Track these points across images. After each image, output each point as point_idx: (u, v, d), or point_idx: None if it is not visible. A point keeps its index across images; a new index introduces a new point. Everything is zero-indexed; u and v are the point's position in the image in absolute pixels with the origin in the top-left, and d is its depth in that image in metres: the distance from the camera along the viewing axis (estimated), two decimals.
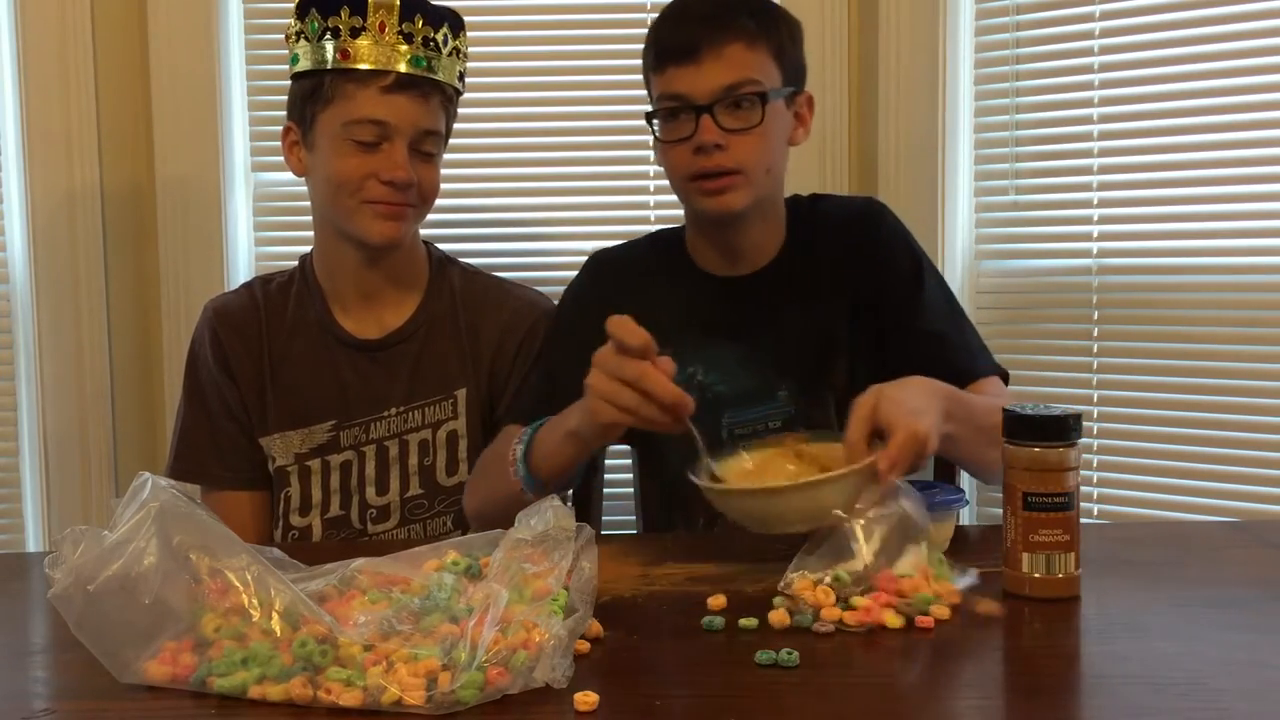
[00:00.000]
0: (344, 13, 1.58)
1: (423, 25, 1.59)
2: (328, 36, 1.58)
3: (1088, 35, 2.03)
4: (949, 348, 1.57)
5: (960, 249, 2.16)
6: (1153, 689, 0.94)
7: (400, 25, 1.58)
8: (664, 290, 1.64)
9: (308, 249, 1.78)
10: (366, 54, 1.57)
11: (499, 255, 2.14)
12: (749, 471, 1.31)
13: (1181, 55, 1.94)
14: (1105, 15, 2.01)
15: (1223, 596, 1.15)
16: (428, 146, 1.63)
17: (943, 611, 1.08)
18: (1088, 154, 2.04)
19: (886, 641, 1.05)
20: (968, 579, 1.16)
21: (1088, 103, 2.04)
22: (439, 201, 2.21)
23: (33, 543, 2.18)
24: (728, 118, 1.51)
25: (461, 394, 1.67)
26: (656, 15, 1.61)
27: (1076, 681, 0.99)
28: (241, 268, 2.19)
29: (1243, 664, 0.98)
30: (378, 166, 1.58)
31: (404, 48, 1.58)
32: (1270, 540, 1.39)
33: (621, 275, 1.68)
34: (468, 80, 2.21)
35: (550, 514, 1.07)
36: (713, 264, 1.64)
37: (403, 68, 1.58)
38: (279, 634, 0.97)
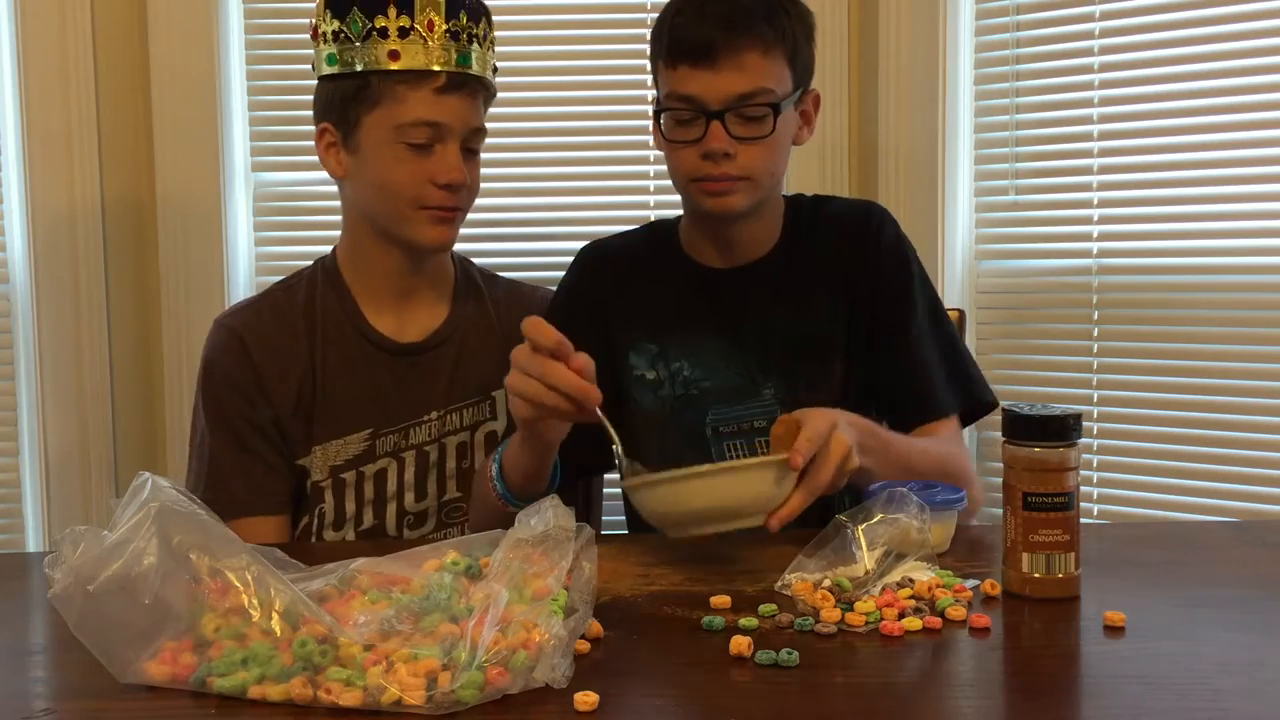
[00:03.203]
0: (391, 12, 1.54)
1: (466, 21, 1.57)
2: (374, 37, 1.54)
3: (1088, 35, 2.03)
4: (916, 376, 1.56)
5: (960, 249, 2.16)
6: (1153, 689, 0.94)
7: (447, 23, 1.56)
8: (653, 282, 1.64)
9: (308, 249, 1.77)
10: (416, 55, 1.54)
11: (499, 255, 2.14)
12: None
13: (1181, 55, 1.94)
14: (1105, 15, 2.01)
15: (1223, 596, 1.15)
16: (474, 144, 1.61)
17: (959, 611, 1.08)
18: (1088, 154, 2.04)
19: (886, 641, 1.05)
20: (970, 582, 1.16)
21: (1088, 103, 2.04)
22: None
23: (33, 543, 2.18)
24: (738, 125, 1.49)
25: (500, 395, 1.65)
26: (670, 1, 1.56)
27: (1076, 681, 0.99)
28: (241, 268, 2.19)
29: (1243, 664, 0.98)
30: (433, 170, 1.56)
31: (451, 46, 1.55)
32: (1270, 540, 1.39)
33: (612, 267, 1.68)
34: None
35: (550, 514, 1.07)
36: (704, 255, 1.63)
37: (451, 67, 1.56)
38: (279, 634, 0.97)
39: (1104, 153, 2.03)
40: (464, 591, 1.03)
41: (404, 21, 1.54)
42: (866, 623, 1.07)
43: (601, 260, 1.69)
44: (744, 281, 1.61)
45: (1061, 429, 1.13)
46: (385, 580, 1.07)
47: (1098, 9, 2.02)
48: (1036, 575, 1.13)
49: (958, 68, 2.14)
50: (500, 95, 2.17)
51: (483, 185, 2.19)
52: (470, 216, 2.18)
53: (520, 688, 0.92)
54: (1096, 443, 2.04)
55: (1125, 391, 2.01)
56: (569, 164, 2.21)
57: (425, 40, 1.54)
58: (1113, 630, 1.06)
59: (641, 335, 1.62)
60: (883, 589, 1.13)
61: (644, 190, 2.19)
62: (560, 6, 2.20)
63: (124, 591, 0.96)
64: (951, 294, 2.14)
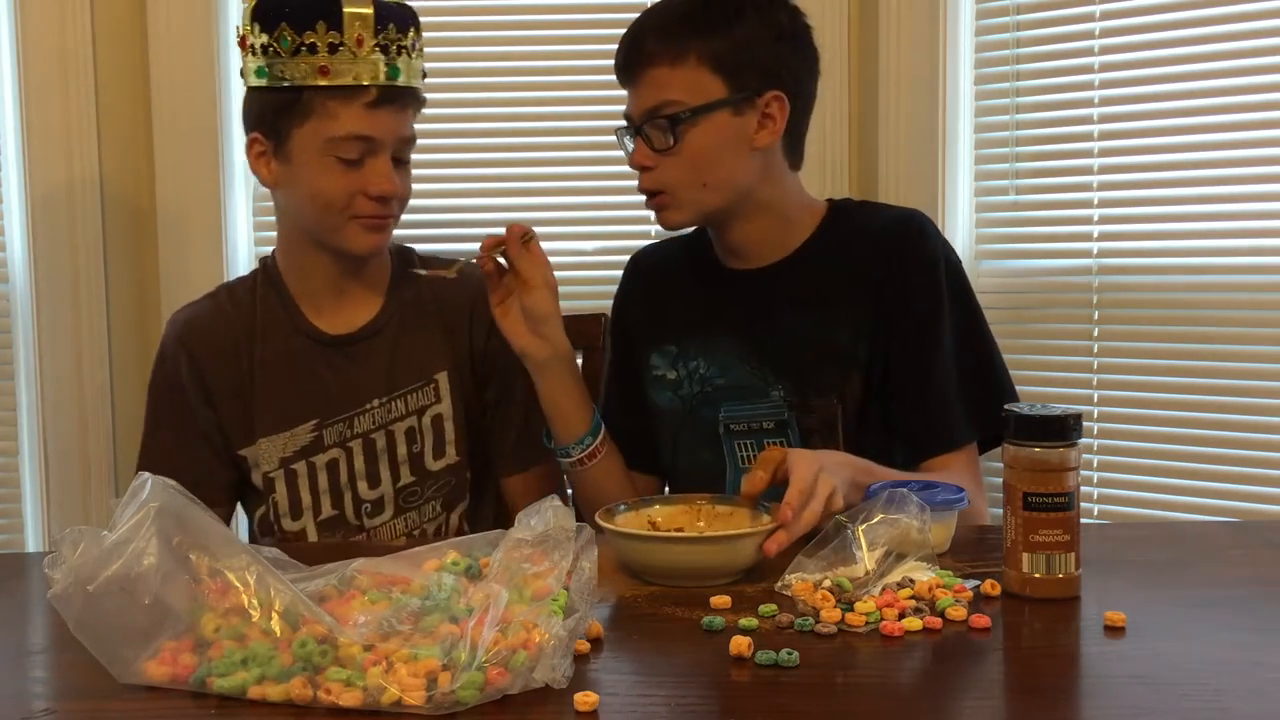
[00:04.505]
0: (320, 28, 1.54)
1: (395, 33, 1.57)
2: (303, 52, 1.54)
3: (1088, 35, 2.03)
4: (930, 404, 1.55)
5: (960, 249, 2.15)
6: (1153, 689, 0.94)
7: (376, 37, 1.56)
8: (681, 286, 1.68)
9: None
10: (347, 70, 1.54)
11: None
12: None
13: (1181, 55, 1.94)
14: (1105, 15, 2.01)
15: (1223, 596, 1.16)
16: (404, 154, 1.62)
17: (959, 611, 1.08)
18: (1088, 154, 2.04)
19: (886, 641, 1.05)
20: (970, 582, 1.16)
21: (1088, 103, 2.04)
22: (436, 203, 2.21)
23: (33, 543, 2.18)
24: (657, 139, 1.53)
25: (442, 377, 1.67)
26: None
27: (1076, 681, 0.99)
28: (242, 268, 2.19)
29: (1243, 664, 0.98)
30: (364, 182, 1.57)
31: (380, 60, 1.55)
32: (1270, 540, 1.39)
33: (649, 273, 1.74)
34: (465, 80, 2.20)
35: (550, 514, 1.07)
36: (724, 256, 1.65)
37: (381, 80, 1.56)
38: (279, 634, 0.97)
39: (1104, 153, 2.02)
40: (464, 591, 1.03)
41: (333, 38, 1.54)
42: (866, 623, 1.07)
43: (640, 267, 1.76)
44: (762, 282, 1.61)
45: (1061, 429, 1.13)
46: (385, 580, 1.07)
47: (1098, 9, 2.02)
48: (1036, 575, 1.13)
49: (958, 68, 2.14)
50: (496, 95, 2.18)
51: (479, 186, 2.21)
52: (467, 217, 2.19)
53: (520, 688, 0.92)
54: (1096, 443, 2.03)
55: (1125, 391, 2.01)
56: (566, 164, 2.21)
57: (355, 55, 1.54)
58: (1113, 630, 1.06)
59: (665, 338, 1.65)
60: (883, 589, 1.13)
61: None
62: (555, 6, 2.20)
63: (124, 592, 0.96)
64: None
